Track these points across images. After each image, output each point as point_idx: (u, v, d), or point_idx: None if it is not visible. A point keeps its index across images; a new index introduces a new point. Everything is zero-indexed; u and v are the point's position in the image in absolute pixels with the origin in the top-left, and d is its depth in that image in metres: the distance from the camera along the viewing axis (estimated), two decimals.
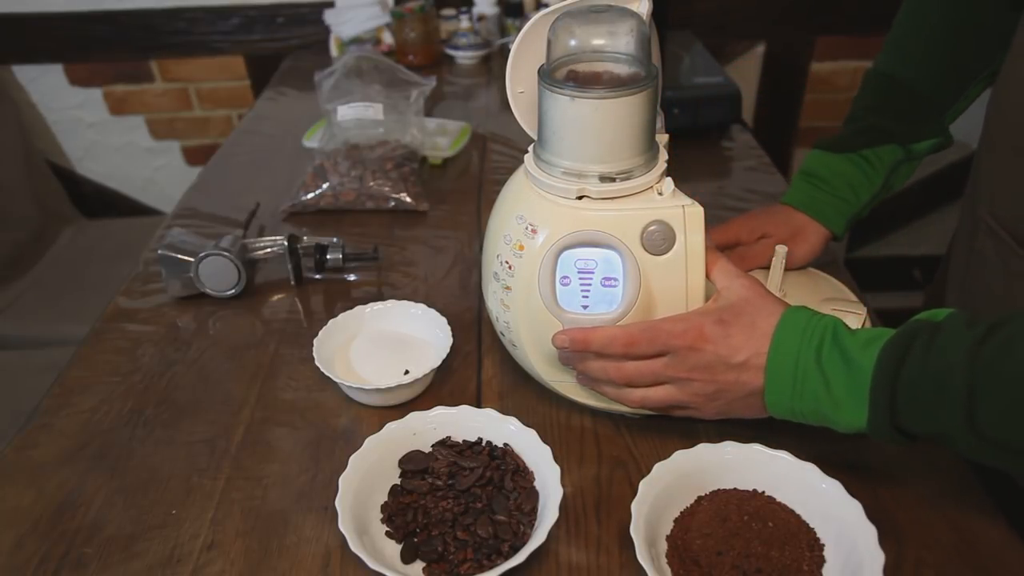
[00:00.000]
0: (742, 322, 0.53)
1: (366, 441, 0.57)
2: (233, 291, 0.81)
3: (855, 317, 0.65)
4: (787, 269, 0.69)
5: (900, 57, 0.77)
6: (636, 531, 0.49)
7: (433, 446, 0.59)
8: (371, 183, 0.97)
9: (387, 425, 0.59)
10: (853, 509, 0.50)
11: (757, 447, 0.55)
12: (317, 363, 0.66)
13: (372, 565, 0.48)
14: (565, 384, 0.62)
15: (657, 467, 0.53)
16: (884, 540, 0.48)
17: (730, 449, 0.55)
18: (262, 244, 0.83)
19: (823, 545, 0.51)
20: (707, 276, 0.57)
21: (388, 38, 1.57)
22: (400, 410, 0.63)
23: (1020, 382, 0.43)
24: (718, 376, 0.53)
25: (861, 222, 0.79)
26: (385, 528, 0.54)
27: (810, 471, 0.53)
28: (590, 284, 0.57)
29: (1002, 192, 0.66)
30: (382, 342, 0.71)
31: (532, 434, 0.57)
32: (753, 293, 0.55)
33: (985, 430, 0.45)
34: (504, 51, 1.57)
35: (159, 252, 0.79)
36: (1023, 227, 0.63)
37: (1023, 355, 0.43)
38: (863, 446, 0.61)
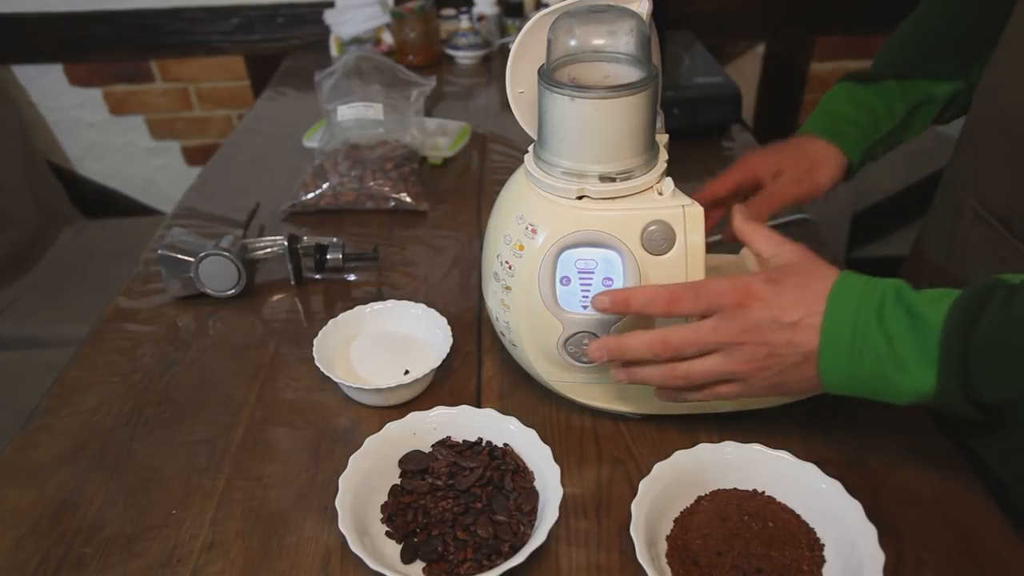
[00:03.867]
0: (794, 281, 0.50)
1: (366, 441, 0.57)
2: (233, 291, 0.81)
3: None
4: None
5: (933, 7, 0.76)
6: (636, 531, 0.49)
7: (433, 446, 0.59)
8: (371, 183, 0.97)
9: (387, 425, 0.59)
10: (853, 509, 0.50)
11: (757, 447, 0.55)
12: (317, 363, 0.66)
13: (372, 565, 0.48)
14: (565, 384, 0.62)
15: (657, 467, 0.53)
16: (884, 540, 0.48)
17: (730, 449, 0.55)
18: (262, 244, 0.83)
19: (823, 545, 0.51)
20: (750, 246, 0.55)
21: (388, 38, 1.57)
22: (400, 410, 0.63)
23: None
24: (768, 337, 0.49)
25: (861, 222, 0.79)
26: (385, 528, 0.54)
27: (810, 471, 0.53)
28: (590, 284, 0.57)
29: (990, 177, 0.65)
30: (382, 342, 0.71)
31: (532, 434, 0.57)
32: (805, 257, 0.52)
33: None
34: (504, 51, 1.57)
35: (159, 252, 0.79)
36: (1014, 214, 0.62)
37: None
38: (863, 446, 0.61)
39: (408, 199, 0.97)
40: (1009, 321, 0.43)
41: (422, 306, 0.73)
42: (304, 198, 0.97)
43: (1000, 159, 0.63)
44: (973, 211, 0.66)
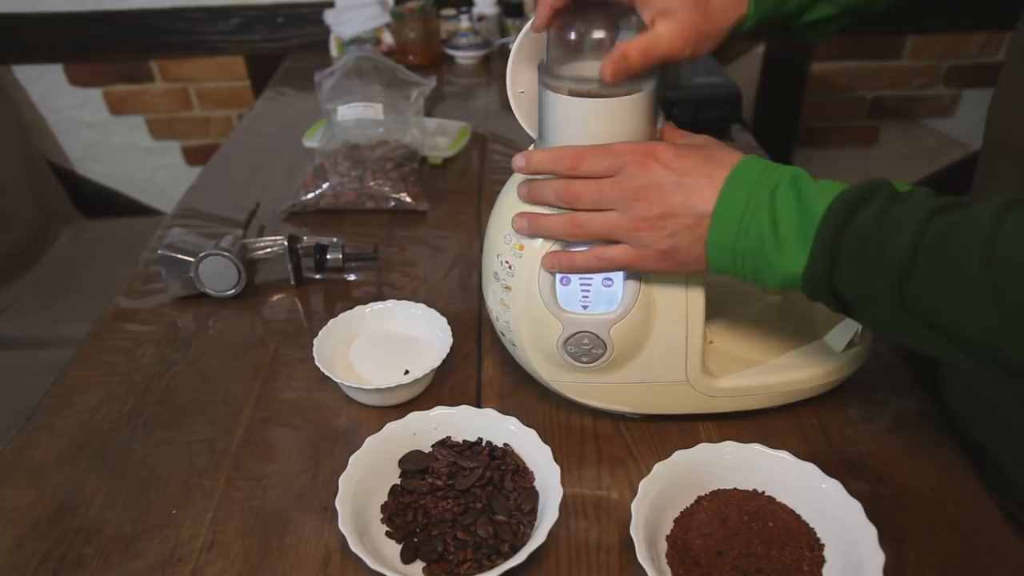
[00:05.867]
0: (698, 152, 0.52)
1: (366, 441, 0.57)
2: (233, 291, 0.81)
3: None
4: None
5: None
6: (636, 531, 0.49)
7: (433, 446, 0.59)
8: (371, 183, 0.97)
9: (387, 425, 0.59)
10: (853, 509, 0.50)
11: (757, 447, 0.55)
12: (317, 363, 0.66)
13: (372, 565, 0.48)
14: (565, 384, 0.62)
15: (657, 467, 0.53)
16: (884, 540, 0.48)
17: (730, 449, 0.55)
18: (262, 244, 0.83)
19: (823, 545, 0.51)
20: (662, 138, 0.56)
21: (388, 38, 1.57)
22: (400, 410, 0.63)
23: (960, 261, 0.42)
24: (667, 197, 0.50)
25: None
26: (385, 528, 0.54)
27: (810, 471, 0.53)
28: (590, 284, 0.57)
29: None
30: (382, 342, 0.71)
31: (532, 434, 0.57)
32: (714, 140, 0.53)
33: (910, 299, 0.44)
34: (504, 51, 1.57)
35: (159, 252, 0.79)
36: None
37: (969, 237, 0.42)
38: (863, 446, 0.61)
39: (408, 199, 0.97)
40: (880, 220, 0.45)
41: (422, 306, 0.73)
42: (304, 198, 0.97)
43: (1016, 185, 0.64)
44: None
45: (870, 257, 0.45)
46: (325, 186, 0.97)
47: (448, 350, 0.68)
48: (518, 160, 0.56)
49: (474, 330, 0.76)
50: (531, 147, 0.61)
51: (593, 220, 0.53)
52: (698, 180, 0.50)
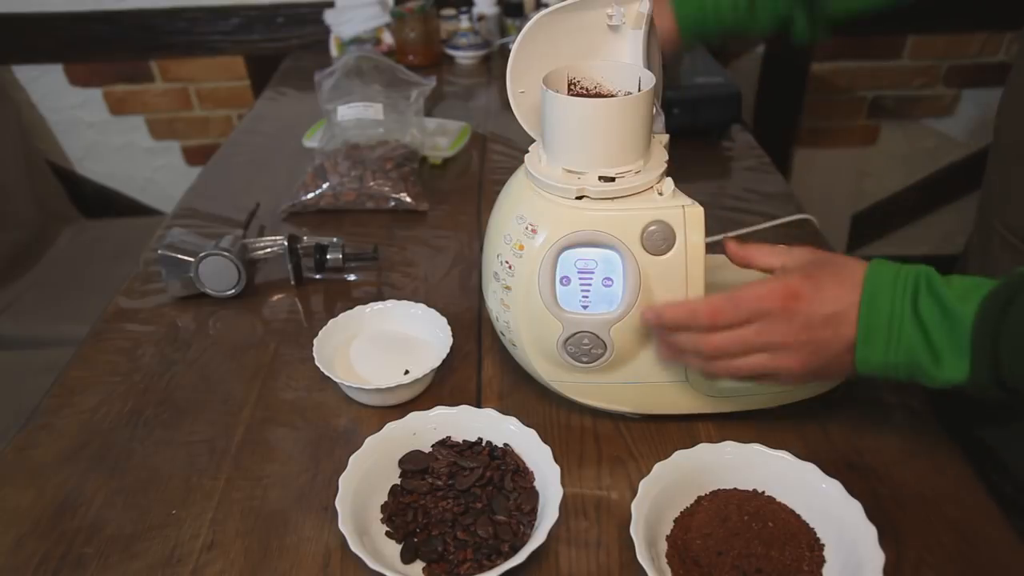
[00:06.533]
0: (829, 272, 0.50)
1: (366, 441, 0.57)
2: (233, 291, 0.81)
3: None
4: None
5: None
6: (636, 531, 0.49)
7: (433, 446, 0.59)
8: (371, 183, 0.97)
9: (387, 425, 0.59)
10: (853, 509, 0.50)
11: (757, 447, 0.55)
12: (317, 363, 0.66)
13: (372, 565, 0.48)
14: (565, 384, 0.62)
15: (657, 467, 0.53)
16: (884, 540, 0.48)
17: (730, 449, 0.55)
18: (262, 244, 0.83)
19: (823, 545, 0.51)
20: (755, 265, 0.55)
21: (388, 38, 1.57)
22: (400, 410, 0.63)
23: None
24: (816, 333, 0.50)
25: (861, 222, 0.78)
26: (385, 528, 0.54)
27: (810, 471, 0.53)
28: (590, 284, 0.57)
29: (1013, 203, 0.66)
30: (382, 342, 0.71)
31: (532, 434, 0.57)
32: (820, 252, 0.52)
33: None
34: (504, 51, 1.57)
35: (159, 252, 0.79)
36: None
37: None
38: (863, 446, 0.61)
39: (408, 199, 0.97)
40: None
41: (422, 306, 0.73)
42: (304, 198, 0.97)
43: (1021, 186, 0.64)
44: (1001, 236, 0.66)
45: None
46: (325, 186, 0.97)
47: (448, 350, 0.68)
48: (648, 314, 0.55)
49: (474, 330, 0.76)
50: (531, 147, 0.61)
51: (739, 364, 0.53)
52: (843, 308, 0.49)
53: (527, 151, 0.61)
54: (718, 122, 1.16)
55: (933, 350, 0.48)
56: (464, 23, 1.58)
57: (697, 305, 0.53)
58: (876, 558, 0.47)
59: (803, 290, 0.50)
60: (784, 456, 0.54)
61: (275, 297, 0.83)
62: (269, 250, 0.83)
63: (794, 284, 0.50)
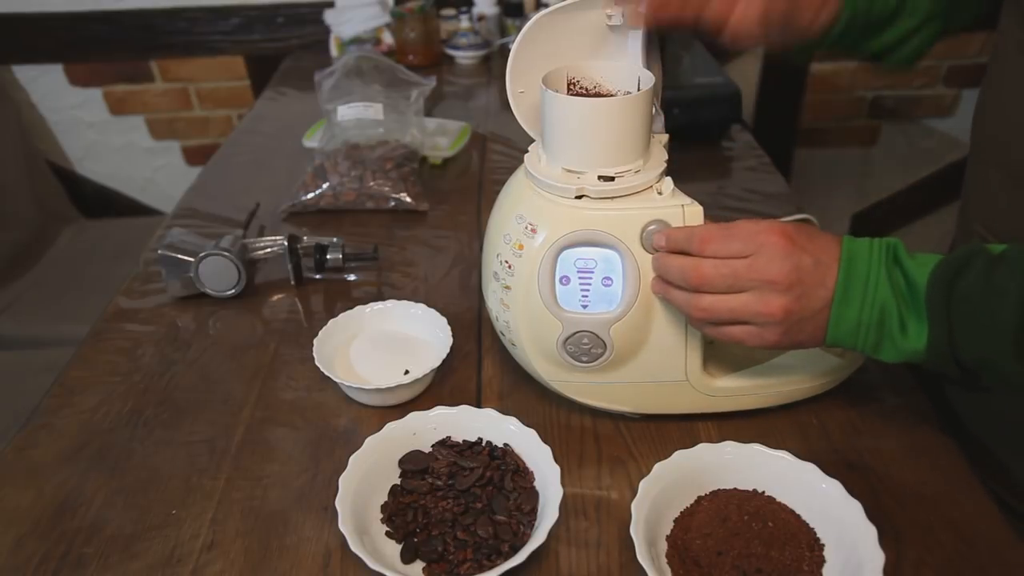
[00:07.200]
0: (808, 230, 0.51)
1: (366, 441, 0.57)
2: (233, 291, 0.81)
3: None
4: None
5: None
6: (636, 531, 0.49)
7: (433, 446, 0.59)
8: (371, 183, 0.97)
9: (387, 425, 0.59)
10: (853, 509, 0.50)
11: (757, 447, 0.55)
12: (317, 363, 0.66)
13: (372, 565, 0.48)
14: (565, 384, 0.62)
15: (657, 467, 0.53)
16: (884, 540, 0.48)
17: (730, 449, 0.55)
18: (262, 244, 0.83)
19: (823, 545, 0.51)
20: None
21: (388, 38, 1.57)
22: (400, 410, 0.63)
23: None
24: (805, 278, 0.49)
25: (862, 222, 0.78)
26: (385, 528, 0.54)
27: (810, 471, 0.53)
28: (590, 283, 0.57)
29: (991, 208, 0.66)
30: (382, 342, 0.71)
31: (532, 434, 0.57)
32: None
33: None
34: (504, 51, 1.57)
35: (159, 252, 0.79)
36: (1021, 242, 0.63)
37: None
38: (863, 446, 0.61)
39: (408, 199, 0.97)
40: (984, 288, 0.46)
41: (422, 306, 0.72)
42: (304, 198, 0.97)
43: (1004, 191, 0.64)
44: (981, 238, 0.67)
45: (982, 325, 0.46)
46: (325, 186, 0.97)
47: (448, 350, 0.68)
48: (657, 236, 0.54)
49: (474, 330, 0.76)
50: (531, 147, 0.61)
51: (721, 305, 0.51)
52: (831, 259, 0.50)
53: (527, 151, 0.61)
54: (718, 122, 1.16)
55: (900, 312, 0.49)
56: (464, 23, 1.58)
57: (695, 228, 0.53)
58: (876, 558, 0.47)
59: (797, 235, 0.50)
60: (784, 456, 0.54)
61: (275, 297, 0.83)
62: (269, 250, 0.83)
63: (789, 227, 0.51)
